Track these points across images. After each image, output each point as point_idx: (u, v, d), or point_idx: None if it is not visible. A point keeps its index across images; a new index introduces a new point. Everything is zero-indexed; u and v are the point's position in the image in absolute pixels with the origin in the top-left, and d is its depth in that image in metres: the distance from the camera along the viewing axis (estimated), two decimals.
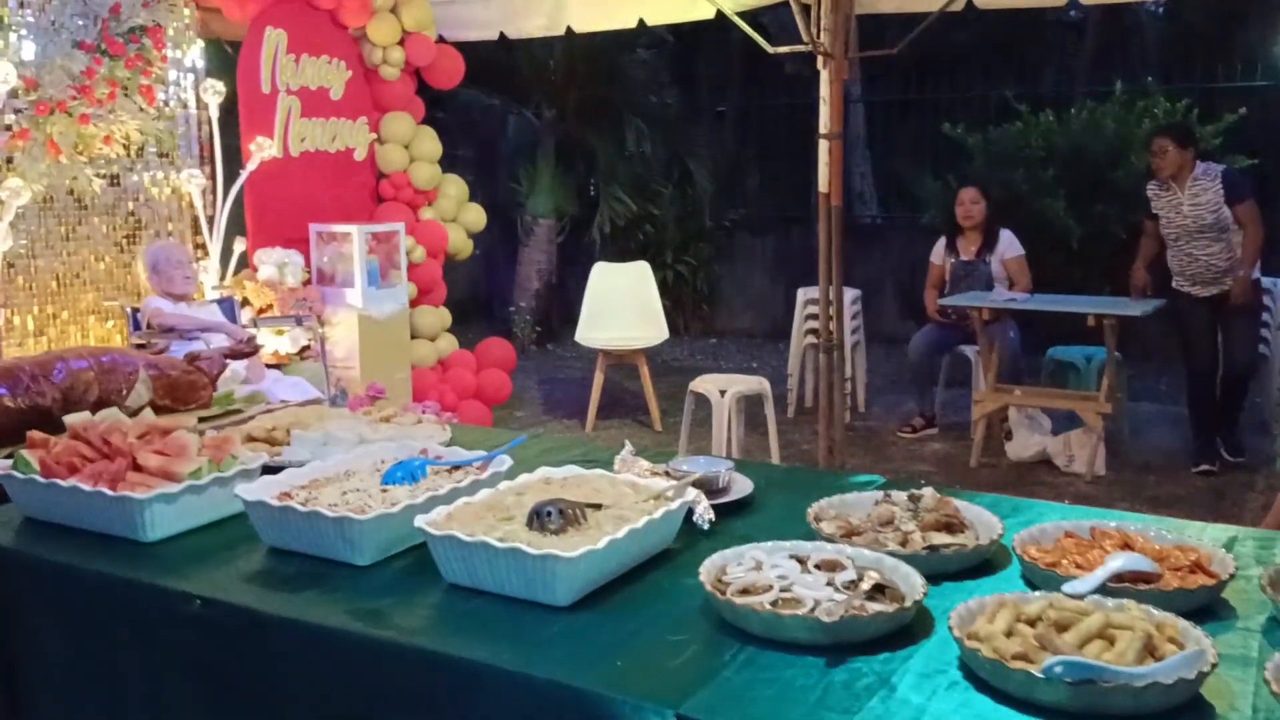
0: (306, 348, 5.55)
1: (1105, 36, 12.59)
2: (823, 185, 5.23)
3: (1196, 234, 5.50)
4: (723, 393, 5.28)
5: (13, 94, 4.53)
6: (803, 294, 6.89)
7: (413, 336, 6.19)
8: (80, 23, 4.89)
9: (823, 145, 5.19)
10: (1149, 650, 1.26)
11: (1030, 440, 5.74)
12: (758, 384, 5.43)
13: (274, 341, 5.42)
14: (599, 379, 6.54)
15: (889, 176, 11.62)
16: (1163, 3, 12.69)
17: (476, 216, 6.72)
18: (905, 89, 11.07)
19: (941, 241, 6.58)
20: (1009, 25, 12.37)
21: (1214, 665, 1.23)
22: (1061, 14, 13.15)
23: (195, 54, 5.56)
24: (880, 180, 11.97)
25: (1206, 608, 1.49)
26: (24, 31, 4.68)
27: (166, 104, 5.43)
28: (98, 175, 5.09)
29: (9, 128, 4.63)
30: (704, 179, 10.20)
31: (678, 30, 10.17)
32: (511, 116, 11.40)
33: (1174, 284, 5.69)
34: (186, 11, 5.42)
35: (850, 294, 6.80)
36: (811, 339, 6.71)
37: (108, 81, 4.93)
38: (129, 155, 5.28)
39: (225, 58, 6.25)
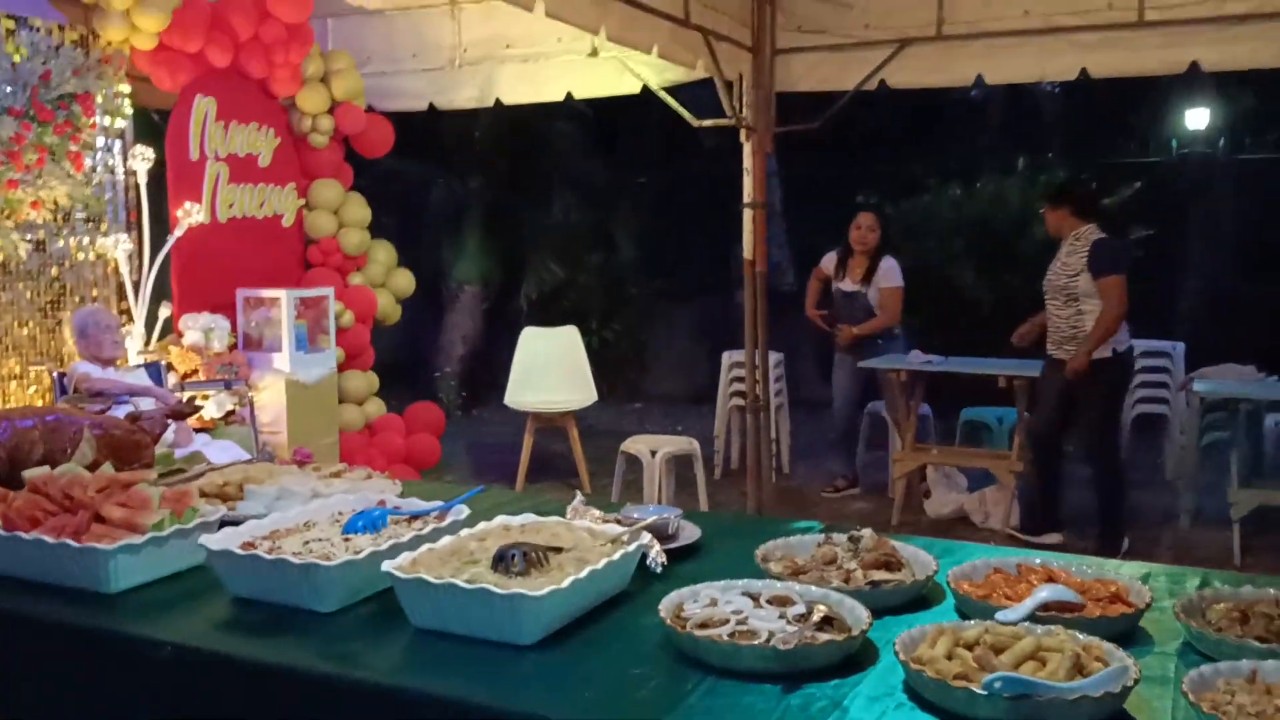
0: (232, 412, 5.52)
1: (1010, 115, 13.18)
2: (747, 252, 5.42)
3: (1052, 293, 5.47)
4: (653, 453, 5.38)
5: None
6: (727, 357, 7.06)
7: (341, 401, 6.19)
8: (9, 89, 4.88)
9: (747, 214, 5.40)
10: (1078, 668, 1.37)
11: (948, 498, 5.93)
12: (687, 444, 5.54)
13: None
14: (528, 441, 6.59)
15: (804, 247, 11.95)
16: (1059, 84, 13.39)
17: (405, 282, 6.78)
18: (821, 164, 11.45)
19: (832, 258, 6.80)
20: (919, 104, 12.92)
21: (1137, 681, 1.34)
22: (968, 93, 13.79)
23: (124, 121, 5.57)
24: (796, 251, 12.31)
25: (1126, 634, 1.61)
26: None
27: (95, 170, 5.42)
28: (24, 240, 5.05)
29: None
30: (628, 247, 10.40)
31: (599, 103, 10.43)
32: (438, 184, 11.51)
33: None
34: (116, 80, 5.43)
35: (774, 357, 6.97)
36: (737, 401, 6.85)
37: (36, 148, 4.92)
38: (56, 220, 5.25)
39: (154, 125, 6.27)
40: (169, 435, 4.57)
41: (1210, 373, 5.82)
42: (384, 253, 6.67)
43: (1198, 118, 9.89)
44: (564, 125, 10.68)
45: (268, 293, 5.80)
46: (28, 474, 1.96)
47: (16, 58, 4.95)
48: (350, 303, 6.26)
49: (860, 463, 6.75)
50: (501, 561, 1.66)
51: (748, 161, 5.40)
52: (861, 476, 6.73)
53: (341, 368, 6.20)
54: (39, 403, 5.19)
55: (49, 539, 1.78)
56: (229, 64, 5.79)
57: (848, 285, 6.64)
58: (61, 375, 4.78)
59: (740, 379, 6.36)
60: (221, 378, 5.37)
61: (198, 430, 5.18)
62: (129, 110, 5.56)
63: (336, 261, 6.42)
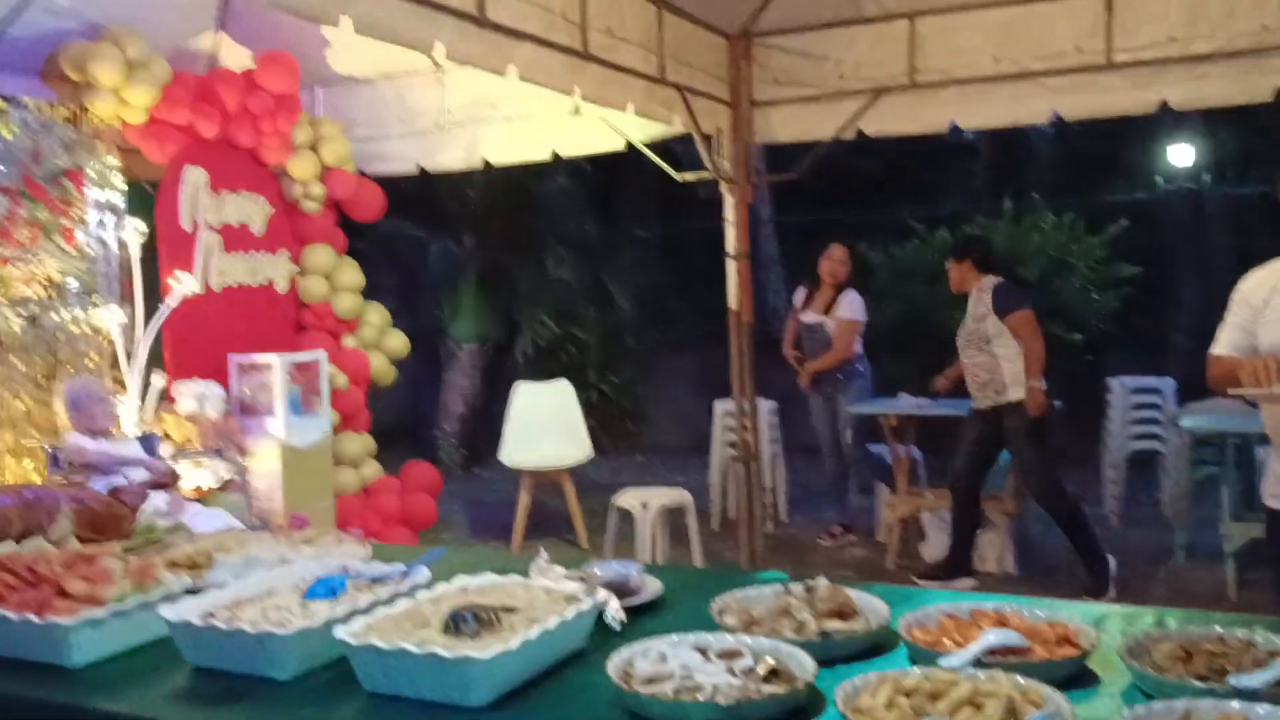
0: (230, 481, 5.54)
1: (999, 157, 13.32)
2: (732, 303, 5.47)
3: (964, 345, 5.60)
4: (645, 506, 5.39)
5: None
6: (720, 407, 7.08)
7: (337, 463, 6.22)
8: (1, 168, 4.97)
9: (731, 265, 5.45)
10: (1011, 712, 1.39)
11: (943, 541, 5.92)
12: (679, 496, 5.55)
13: (195, 475, 5.41)
14: (524, 499, 6.60)
15: None
16: (1051, 125, 13.53)
17: (399, 343, 6.83)
18: (815, 211, 11.57)
19: (802, 292, 6.91)
20: (910, 150, 13.07)
21: None
22: (959, 138, 13.94)
23: (116, 194, 5.66)
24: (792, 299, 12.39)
25: (1074, 677, 1.62)
26: None
27: (87, 244, 5.50)
28: (17, 315, 5.11)
29: None
30: (624, 300, 10.47)
31: (596, 160, 10.58)
32: (433, 245, 11.63)
33: None
34: (107, 154, 5.53)
35: (767, 405, 7.00)
36: (731, 451, 6.86)
37: (28, 224, 5.00)
38: (49, 294, 5.32)
39: (146, 196, 6.36)
40: (163, 505, 4.60)
41: (1198, 408, 5.82)
42: (377, 315, 6.73)
43: (1184, 154, 9.97)
44: (559, 182, 10.82)
45: (260, 358, 5.84)
46: None
47: (8, 136, 5.05)
48: (344, 366, 6.31)
49: (853, 507, 6.74)
50: (454, 624, 1.68)
51: (729, 213, 5.47)
52: (856, 521, 6.71)
53: (337, 430, 6.22)
54: (35, 477, 5.22)
55: (11, 614, 1.80)
56: (218, 135, 5.89)
57: (810, 316, 6.69)
58: (55, 450, 4.81)
59: (733, 428, 6.37)
60: (213, 446, 5.40)
61: (194, 499, 5.21)
62: (121, 184, 5.65)
63: (330, 325, 6.47)
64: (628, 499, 5.49)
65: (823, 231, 11.71)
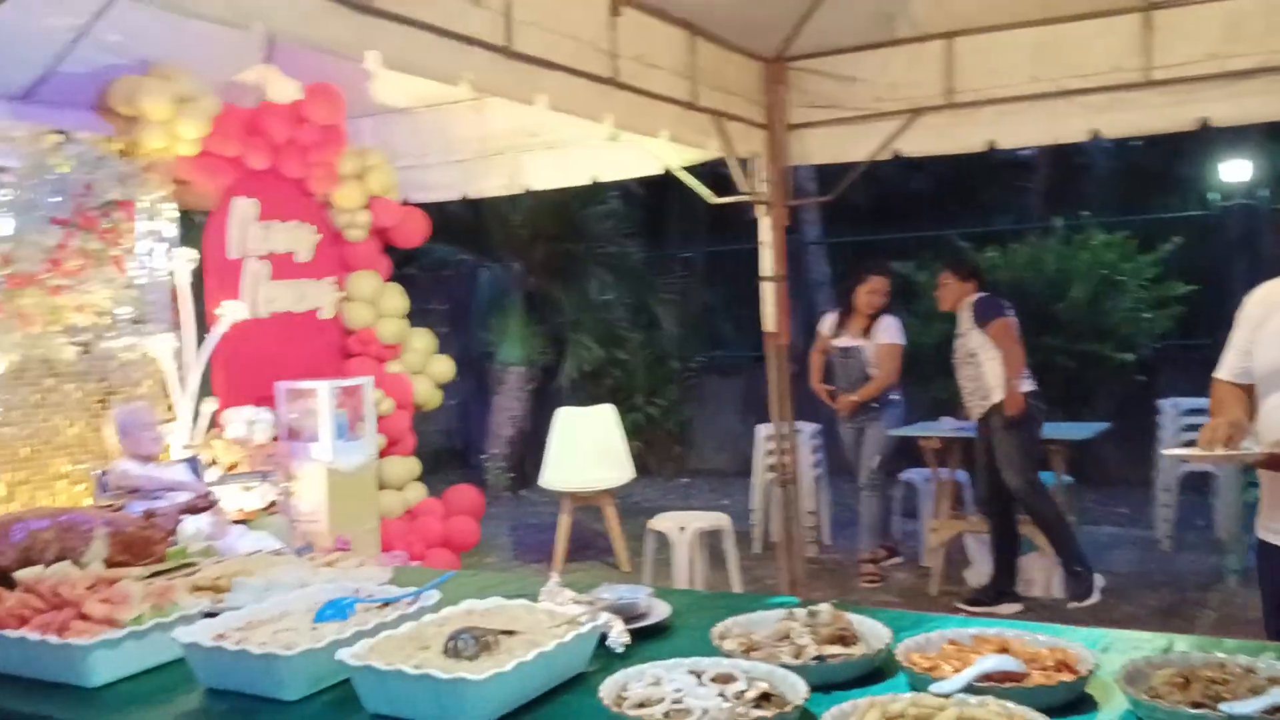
0: (274, 503, 5.65)
1: (1053, 173, 13.18)
2: (769, 325, 5.47)
3: (958, 362, 5.71)
4: (682, 529, 5.39)
5: None
6: (762, 430, 7.06)
7: (381, 487, 6.30)
8: (55, 199, 5.13)
9: (766, 287, 5.45)
10: None
11: (988, 566, 5.84)
12: (717, 519, 5.54)
13: (240, 498, 5.52)
14: (565, 522, 6.64)
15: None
16: (1108, 141, 13.37)
17: (444, 368, 6.92)
18: (866, 231, 11.54)
19: (833, 317, 6.78)
20: (962, 168, 12.99)
21: None
22: (1013, 155, 13.82)
23: (167, 225, 5.82)
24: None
25: (1072, 703, 1.61)
26: (1, 210, 4.92)
27: (139, 272, 5.65)
28: (69, 343, 5.27)
29: None
30: (670, 323, 10.50)
31: (645, 182, 10.64)
32: (483, 270, 11.77)
33: None
34: (159, 186, 5.69)
35: (809, 428, 6.98)
36: (773, 474, 6.83)
37: (80, 254, 5.16)
38: (101, 323, 5.47)
39: (195, 225, 6.53)
40: (206, 528, 4.70)
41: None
42: (422, 340, 6.82)
43: (1239, 169, 9.78)
44: (608, 204, 10.92)
45: (306, 384, 5.95)
46: (19, 574, 2.05)
47: (63, 169, 5.21)
48: (389, 390, 6.40)
49: (898, 531, 6.68)
50: (453, 645, 1.71)
51: (765, 235, 5.47)
52: (902, 548, 6.65)
53: (382, 454, 6.32)
54: (87, 501, 5.36)
55: (32, 636, 1.86)
56: (267, 166, 6.04)
57: (845, 340, 6.53)
58: (103, 474, 4.94)
59: (775, 451, 6.35)
60: (261, 470, 5.51)
61: (238, 522, 5.32)
62: (171, 214, 5.81)
63: (375, 351, 6.58)
64: (664, 522, 5.50)
65: (872, 252, 11.74)
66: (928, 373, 7.95)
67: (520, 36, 3.60)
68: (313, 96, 6.05)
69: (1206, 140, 9.62)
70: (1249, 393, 2.78)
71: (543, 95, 3.80)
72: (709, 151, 5.15)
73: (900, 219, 11.12)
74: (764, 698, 1.57)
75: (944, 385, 7.51)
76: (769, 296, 5.48)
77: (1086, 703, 1.63)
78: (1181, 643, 1.85)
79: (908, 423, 6.51)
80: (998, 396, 5.45)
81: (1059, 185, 12.75)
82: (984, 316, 5.54)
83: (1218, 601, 5.50)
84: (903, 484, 6.69)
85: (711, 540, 5.67)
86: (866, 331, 6.43)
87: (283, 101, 6.13)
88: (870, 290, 6.49)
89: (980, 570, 5.89)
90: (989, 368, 5.50)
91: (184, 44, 5.47)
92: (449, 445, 10.91)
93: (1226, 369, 2.85)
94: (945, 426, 6.09)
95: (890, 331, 6.41)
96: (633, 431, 9.85)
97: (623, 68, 4.09)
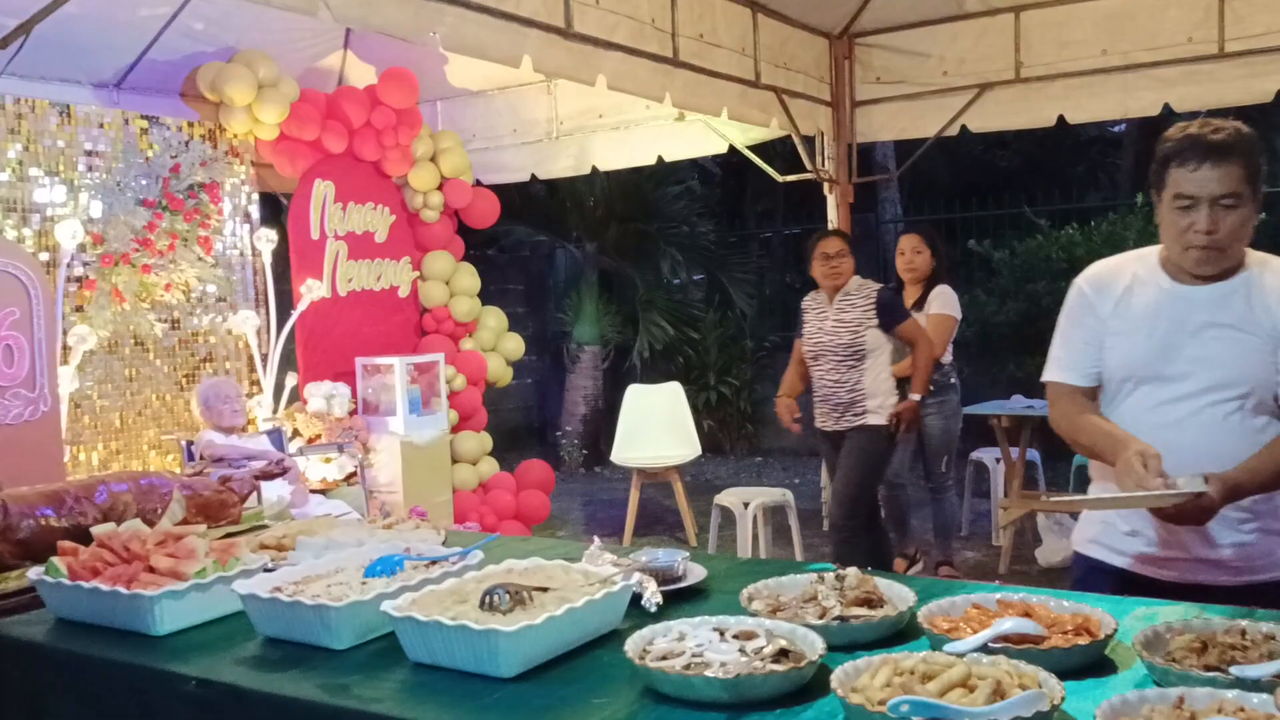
0: (353, 474, 5.84)
1: (1143, 150, 12.84)
2: None
3: (832, 357, 4.94)
4: (745, 504, 5.43)
5: (81, 248, 4.98)
6: None
7: (455, 461, 6.46)
8: (143, 181, 5.36)
9: None
10: (999, 694, 1.41)
11: (1059, 545, 5.78)
12: (781, 495, 5.57)
13: (321, 469, 5.72)
14: (634, 497, 6.73)
15: None
16: (1195, 116, 12.98)
17: (515, 345, 7.05)
18: (948, 208, 11.38)
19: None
20: (1049, 145, 12.74)
21: (1055, 706, 1.37)
22: (1102, 130, 13.50)
23: (250, 206, 6.03)
24: None
25: (1091, 666, 1.63)
26: (92, 191, 5.15)
27: (223, 252, 5.87)
28: (159, 320, 5.50)
29: (78, 279, 5.07)
30: (743, 302, 10.52)
31: (723, 162, 10.66)
32: (558, 250, 11.91)
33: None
34: (242, 169, 5.90)
35: None
36: None
37: (168, 234, 5.38)
38: (188, 300, 5.70)
39: (277, 206, 6.74)
40: (287, 496, 4.89)
41: None
42: (494, 319, 6.96)
43: None
44: (686, 184, 10.99)
45: (383, 360, 6.13)
46: (95, 530, 2.19)
47: (150, 153, 5.44)
48: (461, 367, 6.55)
49: (970, 511, 6.62)
50: (489, 600, 1.80)
51: (832, 212, 5.47)
52: (971, 524, 6.59)
53: (455, 429, 6.48)
54: (176, 469, 5.61)
55: (104, 586, 2.00)
56: (345, 149, 6.20)
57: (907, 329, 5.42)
58: (189, 443, 5.16)
59: None
60: (339, 442, 5.69)
61: (317, 491, 5.51)
62: (254, 196, 6.02)
63: (449, 329, 6.74)
64: (729, 497, 5.56)
65: (950, 229, 11.60)
66: (1003, 353, 7.87)
67: (579, 17, 3.67)
68: (387, 81, 6.20)
69: None
70: (1094, 399, 2.42)
71: (601, 75, 3.87)
72: (772, 130, 5.17)
73: (983, 197, 10.94)
74: (782, 653, 1.63)
75: (1022, 362, 7.44)
76: None
77: (1104, 667, 1.65)
78: (1212, 612, 1.85)
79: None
80: (874, 420, 4.88)
81: (1147, 162, 12.42)
82: (894, 315, 4.91)
83: None
84: (972, 463, 6.63)
85: (777, 517, 5.71)
86: (920, 303, 5.54)
87: (359, 86, 6.29)
88: (903, 253, 5.61)
89: (1051, 549, 5.84)
90: (873, 379, 4.91)
91: (265, 31, 5.66)
92: (526, 423, 11.09)
93: (1072, 370, 2.43)
94: (1017, 405, 6.03)
95: (943, 302, 5.49)
96: (705, 410, 9.93)
97: (683, 46, 4.14)
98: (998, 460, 6.26)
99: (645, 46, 3.97)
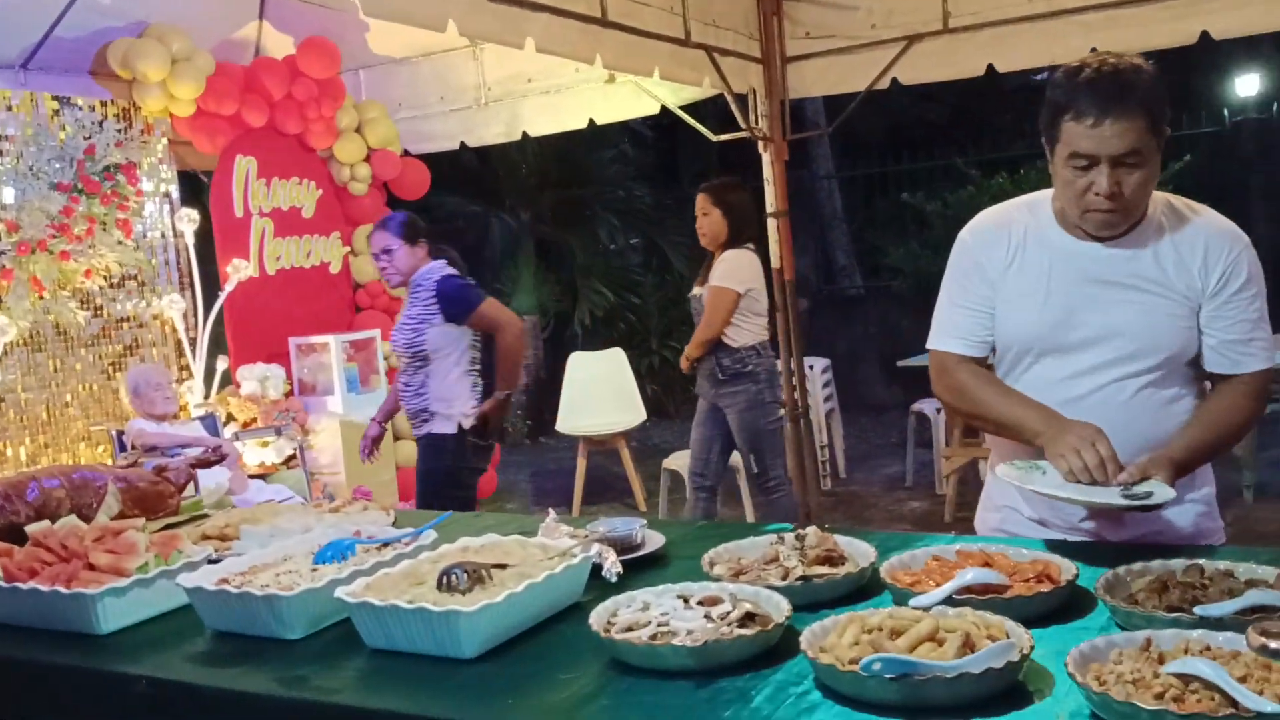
0: (292, 457, 5.73)
1: None
2: (775, 261, 5.46)
3: (402, 354, 4.30)
4: None
5: None
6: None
7: (396, 438, 6.37)
8: (57, 165, 5.17)
9: (771, 223, 5.43)
10: (969, 647, 1.41)
11: None
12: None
13: (259, 453, 5.61)
14: (581, 465, 6.70)
15: (866, 248, 11.94)
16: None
17: None
18: (880, 162, 11.43)
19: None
20: (974, 96, 12.84)
21: (1025, 656, 1.37)
22: (1027, 79, 13.64)
23: (169, 186, 5.85)
24: (859, 252, 12.29)
25: (1054, 613, 1.64)
26: (3, 177, 4.96)
27: (144, 235, 5.69)
28: (81, 307, 5.33)
29: None
30: (682, 264, 10.49)
31: (654, 124, 10.58)
32: (492, 220, 11.77)
33: None
34: (159, 147, 5.71)
35: (820, 363, 6.99)
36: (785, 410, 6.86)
37: (85, 218, 5.21)
38: (110, 286, 5.53)
39: (199, 186, 6.56)
40: (225, 483, 4.79)
41: None
42: None
43: (1250, 83, 9.63)
44: (618, 149, 10.88)
45: (317, 339, 6.01)
46: (30, 528, 2.11)
47: (62, 135, 5.24)
48: None
49: (914, 462, 6.69)
50: (446, 580, 1.75)
51: (767, 171, 5.44)
52: (916, 475, 6.67)
53: None
54: (106, 461, 5.46)
55: (43, 587, 1.92)
56: (266, 123, 6.04)
57: (694, 291, 5.02)
58: (120, 433, 5.02)
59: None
60: (276, 425, 5.58)
61: (256, 476, 5.41)
62: (173, 175, 5.84)
63: (384, 304, 6.63)
64: (677, 461, 5.55)
65: (882, 183, 11.65)
66: None
67: None
68: (307, 51, 6.04)
69: (1215, 55, 9.47)
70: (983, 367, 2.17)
71: (530, 38, 3.78)
72: (704, 89, 5.12)
73: (913, 149, 11.01)
74: (748, 617, 1.61)
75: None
76: (774, 233, 5.47)
77: (1067, 612, 1.65)
78: (1185, 553, 1.86)
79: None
80: (442, 427, 4.20)
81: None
82: (469, 301, 4.19)
83: (1234, 517, 5.50)
84: (914, 414, 6.70)
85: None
86: (708, 274, 4.85)
87: (277, 58, 6.12)
88: (697, 217, 4.89)
89: None
90: (441, 379, 4.23)
91: (177, 4, 5.48)
92: None
93: (962, 338, 2.15)
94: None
95: (725, 269, 4.73)
96: (648, 375, 9.90)
97: (611, 6, 4.06)
98: (938, 410, 6.32)
99: (573, 7, 3.89)
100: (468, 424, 4.17)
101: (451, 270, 4.28)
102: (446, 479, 4.17)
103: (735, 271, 4.71)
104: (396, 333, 4.31)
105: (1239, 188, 9.04)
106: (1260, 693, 1.19)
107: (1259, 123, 9.62)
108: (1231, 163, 9.29)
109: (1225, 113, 9.87)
